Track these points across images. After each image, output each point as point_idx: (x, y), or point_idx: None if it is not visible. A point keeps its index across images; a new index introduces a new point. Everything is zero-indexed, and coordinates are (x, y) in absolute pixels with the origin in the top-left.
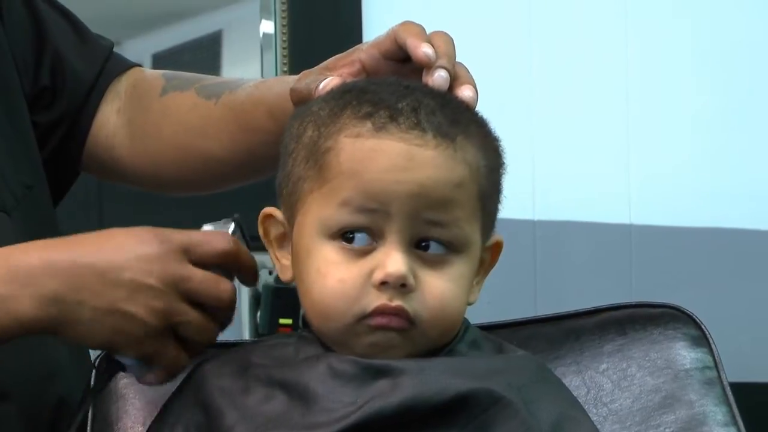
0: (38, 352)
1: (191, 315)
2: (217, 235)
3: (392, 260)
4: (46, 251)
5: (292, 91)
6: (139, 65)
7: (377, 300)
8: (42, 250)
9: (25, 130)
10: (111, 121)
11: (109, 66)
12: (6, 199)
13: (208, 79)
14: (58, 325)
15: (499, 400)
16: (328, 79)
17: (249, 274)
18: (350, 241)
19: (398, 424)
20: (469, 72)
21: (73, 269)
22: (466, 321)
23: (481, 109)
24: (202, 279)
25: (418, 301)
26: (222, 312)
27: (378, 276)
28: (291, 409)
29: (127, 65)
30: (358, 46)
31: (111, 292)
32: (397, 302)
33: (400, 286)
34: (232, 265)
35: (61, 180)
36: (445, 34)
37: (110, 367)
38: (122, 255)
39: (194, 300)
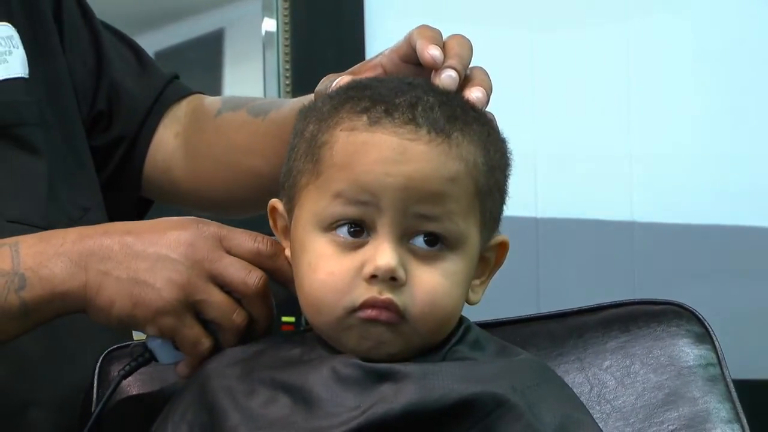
0: (72, 363)
1: (214, 296)
2: (255, 234)
3: (382, 253)
4: (84, 228)
5: (315, 93)
6: (201, 92)
7: (367, 293)
8: (82, 228)
9: (82, 153)
10: (169, 144)
11: (167, 92)
12: (59, 219)
13: (261, 99)
14: (86, 293)
15: (503, 403)
16: (340, 77)
17: (283, 281)
18: (348, 235)
19: (402, 428)
20: (487, 75)
21: (103, 239)
22: (467, 321)
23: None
24: (229, 262)
25: (408, 295)
26: (251, 301)
27: (368, 269)
28: (294, 412)
29: (187, 92)
30: (382, 51)
31: (134, 263)
32: (386, 295)
33: (390, 279)
34: (265, 266)
35: (127, 207)
36: (462, 37)
37: (143, 355)
38: (153, 232)
39: (220, 282)
